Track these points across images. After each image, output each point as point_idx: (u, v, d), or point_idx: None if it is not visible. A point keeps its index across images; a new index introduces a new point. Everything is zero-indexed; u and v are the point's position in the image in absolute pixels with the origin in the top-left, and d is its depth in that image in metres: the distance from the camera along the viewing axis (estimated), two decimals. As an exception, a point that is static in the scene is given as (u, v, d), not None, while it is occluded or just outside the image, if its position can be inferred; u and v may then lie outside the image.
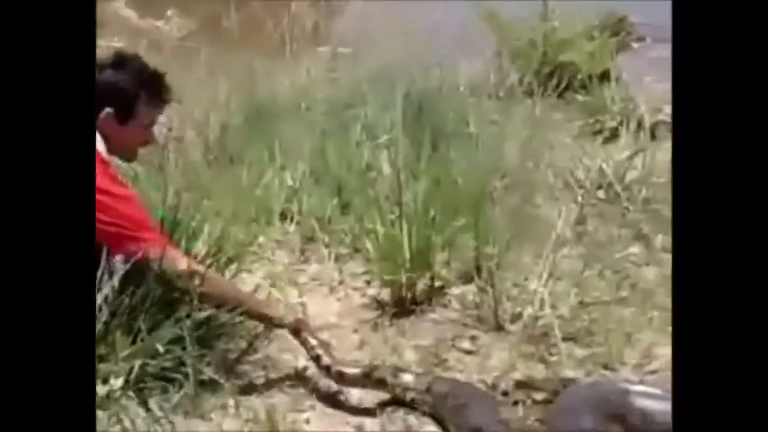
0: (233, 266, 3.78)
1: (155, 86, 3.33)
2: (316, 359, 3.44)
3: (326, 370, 3.42)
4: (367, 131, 5.20)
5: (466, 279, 4.18)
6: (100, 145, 3.21)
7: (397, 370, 3.44)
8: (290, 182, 4.87)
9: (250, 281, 3.97)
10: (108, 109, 3.22)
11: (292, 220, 4.74)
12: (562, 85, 6.53)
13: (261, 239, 4.47)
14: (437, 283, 4.15)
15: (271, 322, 3.48)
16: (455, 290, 4.16)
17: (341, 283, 4.34)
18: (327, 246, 4.55)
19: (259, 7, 8.65)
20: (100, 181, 2.99)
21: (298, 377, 3.61)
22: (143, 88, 3.29)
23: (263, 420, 3.25)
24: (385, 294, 4.15)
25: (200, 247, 3.72)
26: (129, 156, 3.42)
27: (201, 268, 3.32)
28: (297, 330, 3.47)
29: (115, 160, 3.40)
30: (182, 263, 3.25)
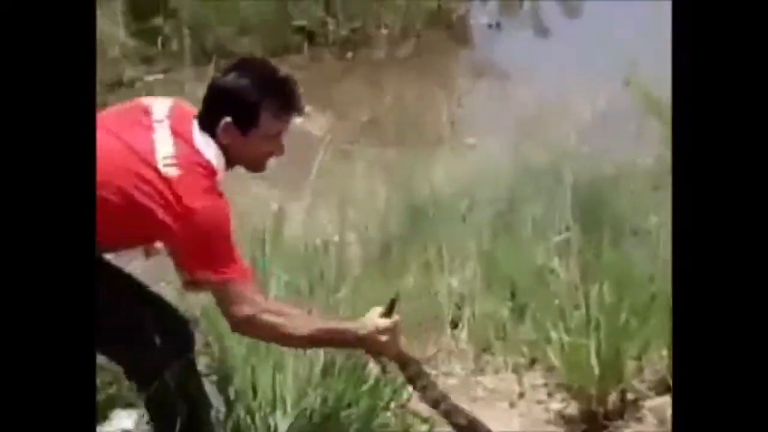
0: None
1: (282, 94, 2.92)
2: (423, 389, 3.15)
3: (433, 403, 3.15)
4: (537, 229, 4.90)
5: (662, 389, 3.82)
6: (213, 154, 2.86)
7: None
8: (458, 287, 4.58)
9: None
10: (227, 118, 2.85)
11: (463, 328, 4.44)
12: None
13: (432, 350, 4.21)
14: (630, 396, 3.82)
15: (373, 352, 3.12)
16: (650, 402, 3.82)
17: (522, 396, 4.03)
18: (503, 355, 4.25)
19: (393, 100, 8.50)
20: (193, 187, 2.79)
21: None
22: (268, 96, 2.88)
23: None
24: (573, 408, 3.84)
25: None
26: (255, 167, 3.01)
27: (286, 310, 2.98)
28: (404, 364, 3.16)
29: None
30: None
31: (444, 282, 4.59)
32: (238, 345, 3.44)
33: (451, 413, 3.13)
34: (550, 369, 4.06)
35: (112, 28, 10.86)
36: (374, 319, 3.01)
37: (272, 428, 3.26)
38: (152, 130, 2.86)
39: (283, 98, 2.91)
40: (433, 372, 3.86)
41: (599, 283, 3.97)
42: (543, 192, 5.24)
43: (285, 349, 3.32)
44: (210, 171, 2.83)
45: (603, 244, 4.33)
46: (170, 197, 2.75)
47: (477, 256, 4.72)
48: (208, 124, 2.87)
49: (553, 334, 3.91)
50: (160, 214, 2.76)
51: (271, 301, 3.22)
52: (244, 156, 2.93)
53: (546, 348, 4.06)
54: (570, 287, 4.28)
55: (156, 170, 2.77)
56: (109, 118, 2.95)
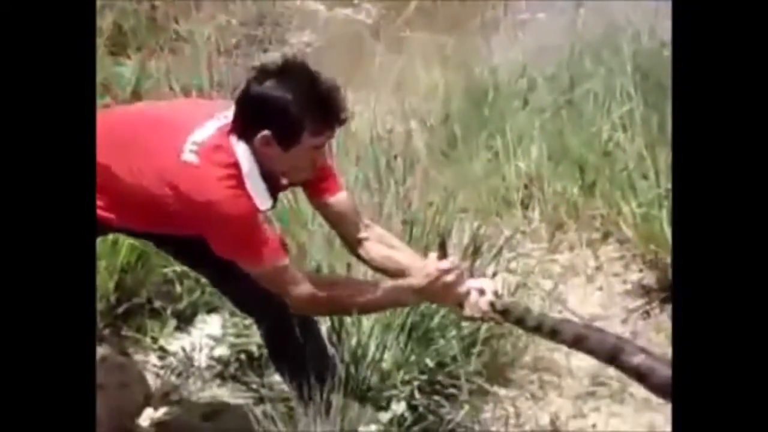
0: (491, 267, 3.57)
1: (325, 109, 2.60)
2: (519, 322, 2.82)
3: (535, 329, 2.82)
4: (600, 103, 4.87)
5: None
6: (245, 157, 2.61)
7: None
8: (526, 168, 4.59)
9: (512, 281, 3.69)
10: (265, 132, 2.59)
11: (534, 208, 4.47)
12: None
13: (505, 232, 4.24)
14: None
15: (442, 299, 2.89)
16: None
17: (598, 269, 4.08)
18: (577, 231, 4.28)
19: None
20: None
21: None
22: (310, 112, 2.58)
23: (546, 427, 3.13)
24: (650, 278, 3.89)
25: (453, 250, 3.53)
26: (295, 178, 2.78)
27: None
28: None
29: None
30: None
31: (511, 164, 4.60)
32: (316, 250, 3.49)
33: (558, 331, 2.78)
34: (624, 241, 4.11)
35: None
36: (434, 263, 2.79)
37: (356, 323, 3.30)
38: (209, 119, 2.68)
39: (326, 113, 2.61)
40: (512, 254, 3.91)
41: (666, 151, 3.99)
42: (602, 65, 5.19)
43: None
44: (232, 168, 2.59)
45: (667, 112, 4.29)
46: (180, 185, 2.58)
47: (542, 136, 4.71)
48: (242, 133, 2.62)
49: (625, 207, 3.93)
50: (171, 201, 2.59)
51: (322, 275, 3.21)
52: (283, 168, 2.67)
53: (618, 221, 4.10)
54: (637, 158, 4.29)
55: (179, 156, 2.59)
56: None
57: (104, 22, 6.22)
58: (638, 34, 5.35)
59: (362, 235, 2.91)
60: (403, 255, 2.92)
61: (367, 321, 3.27)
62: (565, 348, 3.51)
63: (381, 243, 2.92)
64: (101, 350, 3.28)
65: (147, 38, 6.66)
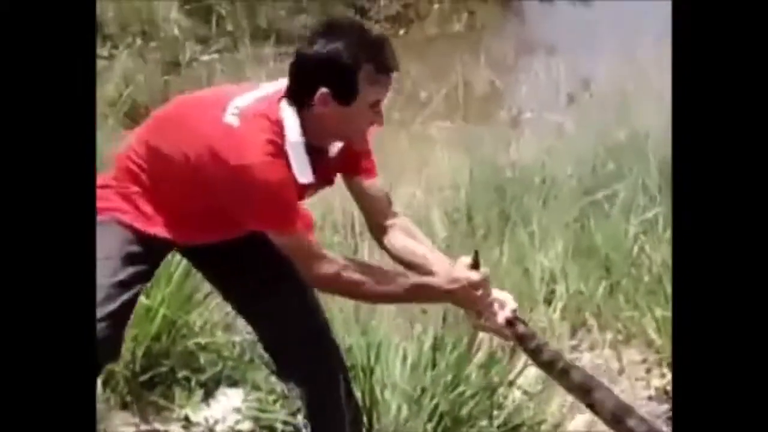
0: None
1: (379, 55, 2.60)
2: (536, 351, 2.80)
3: (548, 365, 2.79)
4: (625, 205, 4.87)
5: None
6: (290, 117, 2.62)
7: None
8: (549, 264, 4.56)
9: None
10: (323, 90, 2.58)
11: (556, 305, 4.42)
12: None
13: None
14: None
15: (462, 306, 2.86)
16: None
17: (621, 372, 4.03)
18: (600, 331, 4.24)
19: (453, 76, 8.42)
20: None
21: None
22: (365, 60, 2.58)
23: None
24: (676, 384, 3.84)
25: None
26: (356, 140, 2.72)
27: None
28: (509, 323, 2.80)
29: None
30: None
31: (534, 259, 4.56)
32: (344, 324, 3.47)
33: (569, 372, 2.75)
34: (648, 344, 4.06)
35: (166, 6, 10.89)
36: (465, 272, 2.77)
37: (385, 408, 3.26)
38: (251, 90, 2.71)
39: (379, 58, 2.60)
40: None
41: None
42: (626, 166, 5.20)
43: (393, 329, 3.32)
44: (274, 135, 2.60)
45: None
46: (218, 148, 2.58)
47: (565, 234, 4.69)
48: (297, 99, 2.63)
49: (658, 311, 3.91)
50: (209, 167, 2.60)
51: (352, 258, 3.14)
52: (344, 129, 2.65)
53: (644, 324, 4.07)
54: (664, 263, 4.28)
55: (220, 118, 2.62)
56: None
57: (121, 100, 6.34)
58: (662, 138, 5.36)
59: (389, 222, 2.89)
60: (426, 250, 2.89)
61: (395, 404, 3.25)
62: None
63: (407, 234, 2.89)
64: (128, 417, 3.22)
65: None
